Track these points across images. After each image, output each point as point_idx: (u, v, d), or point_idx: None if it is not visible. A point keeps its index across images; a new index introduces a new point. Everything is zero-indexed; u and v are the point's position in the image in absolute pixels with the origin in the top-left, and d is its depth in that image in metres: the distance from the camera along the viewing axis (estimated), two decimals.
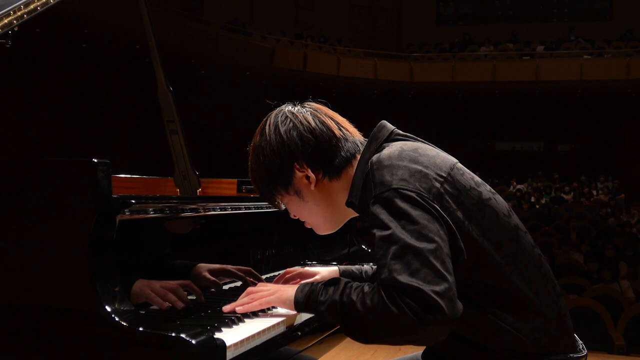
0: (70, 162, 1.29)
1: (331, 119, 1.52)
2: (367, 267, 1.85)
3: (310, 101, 1.56)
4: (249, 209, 1.95)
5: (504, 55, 17.85)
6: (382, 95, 17.86)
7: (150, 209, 1.45)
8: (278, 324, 1.44)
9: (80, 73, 11.74)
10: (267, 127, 1.51)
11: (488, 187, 1.46)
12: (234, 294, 1.71)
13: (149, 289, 1.44)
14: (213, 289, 1.71)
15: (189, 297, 1.53)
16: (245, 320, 1.44)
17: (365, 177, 1.40)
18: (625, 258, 8.34)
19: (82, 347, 1.23)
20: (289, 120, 1.49)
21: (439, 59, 18.29)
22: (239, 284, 1.81)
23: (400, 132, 1.51)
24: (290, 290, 1.43)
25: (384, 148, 1.44)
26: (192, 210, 1.66)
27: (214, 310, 1.51)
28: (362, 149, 1.50)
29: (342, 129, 1.52)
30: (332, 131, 1.49)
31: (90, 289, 1.22)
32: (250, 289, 1.52)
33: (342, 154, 1.49)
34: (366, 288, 1.28)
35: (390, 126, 1.52)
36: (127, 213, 1.34)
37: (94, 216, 1.25)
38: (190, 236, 1.72)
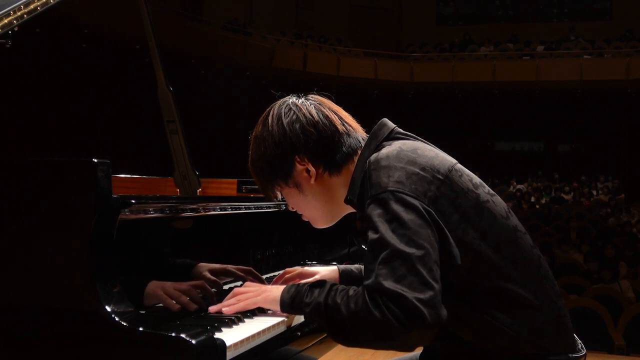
0: (70, 162, 1.29)
1: (335, 113, 1.51)
2: None
3: (315, 94, 1.55)
4: (249, 209, 1.95)
5: (504, 55, 17.85)
6: (382, 95, 17.86)
7: (150, 209, 1.45)
8: (278, 324, 1.44)
9: (80, 73, 11.74)
10: (270, 117, 1.50)
11: (487, 188, 1.45)
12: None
13: (161, 291, 1.44)
14: (214, 289, 1.70)
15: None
16: (245, 320, 1.44)
17: (363, 175, 1.40)
18: (625, 258, 8.33)
19: (82, 347, 1.23)
20: (292, 112, 1.48)
21: (439, 59, 18.29)
22: (239, 283, 1.81)
23: (401, 130, 1.51)
24: (276, 291, 1.43)
25: (383, 147, 1.44)
26: (192, 210, 1.66)
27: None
28: (363, 145, 1.49)
29: (345, 124, 1.51)
30: (335, 126, 1.48)
31: (90, 289, 1.22)
32: (236, 289, 1.51)
33: (344, 149, 1.48)
34: (351, 291, 1.28)
35: (390, 124, 1.51)
36: (127, 213, 1.34)
37: (94, 216, 1.25)
38: (191, 236, 1.72)
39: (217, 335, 1.26)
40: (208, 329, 1.28)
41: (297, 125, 1.46)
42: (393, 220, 1.26)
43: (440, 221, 1.30)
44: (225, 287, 1.79)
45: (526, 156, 20.44)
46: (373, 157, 1.39)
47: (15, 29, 1.64)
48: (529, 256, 1.41)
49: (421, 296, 1.19)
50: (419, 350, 1.62)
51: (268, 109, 1.53)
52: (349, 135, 1.50)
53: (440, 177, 1.35)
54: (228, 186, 2.52)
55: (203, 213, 1.70)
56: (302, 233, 2.32)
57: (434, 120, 19.00)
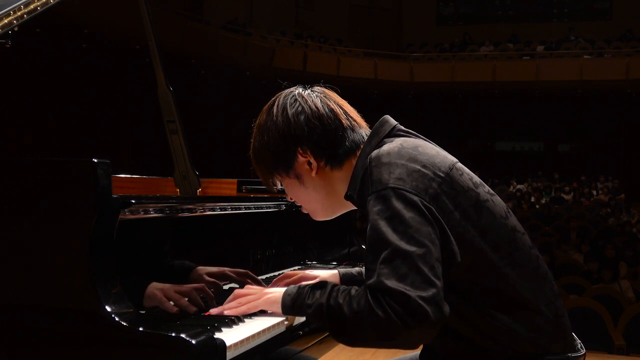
0: (70, 162, 1.29)
1: (340, 107, 1.50)
2: None
3: (321, 86, 1.55)
4: (249, 209, 1.95)
5: (504, 55, 17.85)
6: (382, 95, 17.86)
7: (150, 209, 1.45)
8: (278, 324, 1.43)
9: (80, 73, 11.75)
10: (275, 107, 1.49)
11: (487, 188, 1.45)
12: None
13: (160, 293, 1.43)
14: (212, 289, 1.70)
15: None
16: (245, 320, 1.43)
17: (364, 172, 1.40)
18: (625, 258, 8.33)
19: (82, 347, 1.23)
20: (298, 103, 1.47)
21: (439, 59, 18.30)
22: (238, 285, 1.81)
23: (403, 127, 1.50)
24: (277, 294, 1.42)
25: (384, 143, 1.43)
26: (192, 210, 1.66)
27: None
28: (365, 141, 1.49)
29: (349, 118, 1.50)
30: (339, 120, 1.48)
31: (90, 289, 1.22)
32: (237, 291, 1.51)
33: (347, 144, 1.48)
34: (353, 291, 1.27)
35: (392, 121, 1.51)
36: (127, 213, 1.34)
37: (94, 216, 1.24)
38: (190, 236, 1.71)
39: (217, 335, 1.26)
40: (208, 329, 1.28)
41: (302, 117, 1.46)
42: (394, 217, 1.26)
43: (441, 218, 1.29)
44: (225, 287, 1.79)
45: (526, 156, 20.44)
46: (374, 153, 1.39)
47: (15, 29, 1.64)
48: (527, 256, 1.41)
49: (424, 294, 1.18)
50: (418, 350, 1.62)
51: (273, 99, 1.52)
52: (352, 130, 1.49)
53: (441, 174, 1.34)
54: (228, 186, 2.52)
55: (203, 213, 1.70)
56: (302, 233, 2.32)
57: (434, 120, 18.99)
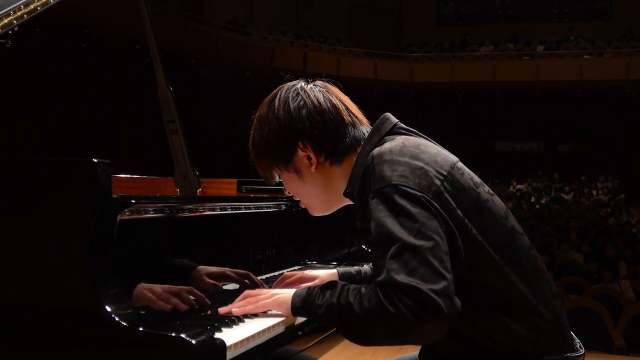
0: (70, 162, 1.29)
1: (342, 102, 1.50)
2: (366, 268, 1.84)
3: (323, 80, 1.54)
4: (249, 209, 1.95)
5: (504, 55, 17.85)
6: (382, 95, 17.85)
7: (150, 209, 1.45)
8: (278, 324, 1.43)
9: (80, 73, 11.74)
10: (276, 100, 1.48)
11: (487, 188, 1.45)
12: (235, 294, 1.71)
13: (150, 293, 1.43)
14: (212, 290, 1.70)
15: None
16: (246, 320, 1.43)
17: (365, 169, 1.39)
18: (625, 258, 8.34)
19: (82, 347, 1.23)
20: (300, 97, 1.47)
21: (439, 59, 18.30)
22: (238, 285, 1.81)
23: (403, 126, 1.50)
24: (287, 295, 1.41)
25: (385, 141, 1.43)
26: (192, 210, 1.66)
27: (213, 311, 1.51)
28: (366, 138, 1.48)
29: (351, 114, 1.50)
30: (341, 115, 1.47)
31: (90, 289, 1.22)
32: (247, 292, 1.51)
33: (347, 140, 1.47)
34: (363, 289, 1.27)
35: (393, 119, 1.50)
36: (127, 213, 1.34)
37: (94, 216, 1.24)
38: (190, 236, 1.71)
39: (217, 335, 1.26)
40: (208, 329, 1.28)
41: (304, 111, 1.45)
42: (399, 214, 1.25)
43: (445, 215, 1.29)
44: (226, 287, 1.79)
45: (526, 156, 20.44)
46: (376, 151, 1.38)
47: (15, 29, 1.64)
48: (526, 257, 1.41)
49: (435, 287, 1.18)
50: (417, 349, 1.62)
51: (275, 91, 1.51)
52: (354, 126, 1.49)
53: (443, 173, 1.34)
54: (228, 186, 2.52)
55: (203, 213, 1.70)
56: (302, 233, 2.32)
57: (434, 120, 18.99)
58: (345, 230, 2.57)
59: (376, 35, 19.93)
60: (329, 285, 1.35)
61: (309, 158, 1.47)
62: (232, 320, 1.39)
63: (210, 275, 1.69)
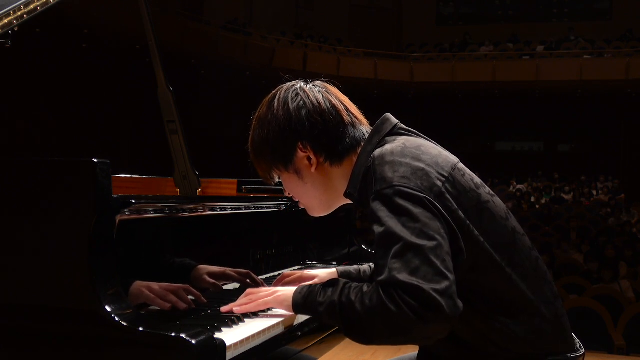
0: (70, 162, 1.29)
1: (341, 102, 1.49)
2: (366, 267, 1.84)
3: (322, 80, 1.54)
4: (249, 209, 1.95)
5: (504, 55, 17.85)
6: (382, 95, 17.85)
7: (150, 209, 1.45)
8: (278, 324, 1.44)
9: (80, 73, 11.74)
10: (276, 100, 1.48)
11: (487, 189, 1.44)
12: (234, 294, 1.71)
13: (148, 291, 1.42)
14: (212, 289, 1.70)
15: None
16: (246, 320, 1.43)
17: (366, 170, 1.39)
18: (625, 258, 8.34)
19: (82, 347, 1.23)
20: (299, 98, 1.46)
21: (439, 59, 18.30)
22: (238, 285, 1.81)
23: (404, 126, 1.50)
24: (288, 292, 1.42)
25: (386, 142, 1.43)
26: (192, 210, 1.66)
27: (214, 310, 1.51)
28: (366, 139, 1.48)
29: (350, 114, 1.49)
30: (341, 116, 1.47)
31: (90, 289, 1.22)
32: (249, 290, 1.51)
33: (347, 140, 1.46)
34: (365, 288, 1.26)
35: (394, 120, 1.50)
36: (127, 213, 1.34)
37: (94, 216, 1.24)
38: (190, 236, 1.71)
39: (217, 335, 1.26)
40: (208, 329, 1.28)
41: (304, 112, 1.45)
42: (402, 214, 1.25)
43: (447, 215, 1.29)
44: (226, 287, 1.79)
45: (526, 156, 20.44)
46: (377, 152, 1.38)
47: (15, 29, 1.64)
48: (527, 257, 1.41)
49: (437, 287, 1.17)
50: (416, 350, 1.62)
51: (274, 92, 1.51)
52: (353, 126, 1.48)
53: (444, 174, 1.34)
54: (228, 186, 2.52)
55: (203, 213, 1.70)
56: (302, 233, 2.32)
57: (434, 120, 18.99)
58: (345, 230, 2.57)
59: (376, 35, 19.93)
60: (331, 283, 1.35)
61: (309, 159, 1.46)
62: (232, 320, 1.39)
63: (211, 274, 1.69)
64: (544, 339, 1.37)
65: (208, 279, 1.67)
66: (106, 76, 12.17)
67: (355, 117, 1.51)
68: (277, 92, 1.50)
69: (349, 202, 1.53)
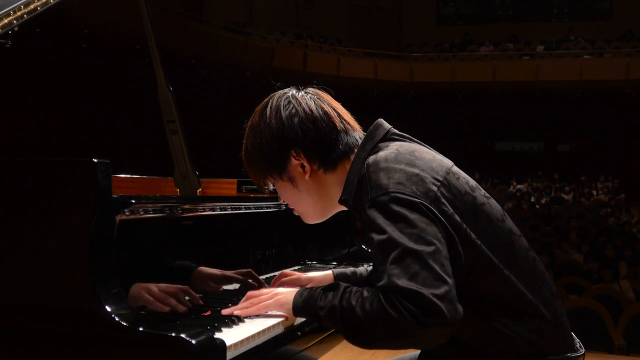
0: (70, 162, 1.29)
1: (334, 109, 1.49)
2: (362, 269, 1.83)
3: (315, 87, 1.54)
4: (249, 209, 1.95)
5: (504, 55, 17.85)
6: (382, 95, 17.86)
7: (150, 209, 1.45)
8: (278, 324, 1.44)
9: (80, 73, 11.74)
10: (268, 109, 1.48)
11: (482, 191, 1.45)
12: (234, 293, 1.71)
13: (147, 294, 1.42)
14: (212, 291, 1.70)
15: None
16: (245, 320, 1.43)
17: (361, 178, 1.39)
18: (625, 258, 8.34)
19: (82, 347, 1.23)
20: (291, 105, 1.46)
21: (439, 59, 18.29)
22: (238, 285, 1.81)
23: (396, 131, 1.50)
24: (289, 295, 1.42)
25: (380, 149, 1.43)
26: (191, 210, 1.66)
27: (213, 310, 1.51)
28: (359, 145, 1.48)
29: (343, 121, 1.49)
30: (333, 123, 1.47)
31: (90, 289, 1.22)
32: (250, 293, 1.51)
33: (341, 147, 1.46)
34: (365, 293, 1.26)
35: (386, 125, 1.50)
36: (127, 213, 1.34)
37: (94, 216, 1.24)
38: (190, 236, 1.71)
39: (217, 335, 1.26)
40: (208, 329, 1.28)
41: (296, 120, 1.44)
42: (399, 220, 1.25)
43: (444, 220, 1.29)
44: (226, 287, 1.79)
45: (526, 156, 20.44)
46: (371, 158, 1.38)
47: (15, 29, 1.64)
48: (524, 258, 1.41)
49: (437, 291, 1.18)
50: (416, 352, 1.62)
51: (266, 100, 1.51)
52: (346, 132, 1.48)
53: (439, 178, 1.34)
54: (228, 186, 2.52)
55: (203, 213, 1.70)
56: (302, 233, 2.32)
57: (434, 120, 19.01)
58: (345, 230, 2.57)
59: (376, 35, 19.92)
60: (332, 287, 1.35)
61: (302, 166, 1.46)
62: (232, 320, 1.39)
63: (212, 277, 1.69)
64: (544, 339, 1.37)
65: (209, 281, 1.67)
66: (106, 76, 12.16)
67: (348, 124, 1.50)
68: (269, 100, 1.50)
69: (344, 208, 1.53)
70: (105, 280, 1.24)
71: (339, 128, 1.47)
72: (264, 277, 1.97)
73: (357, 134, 1.51)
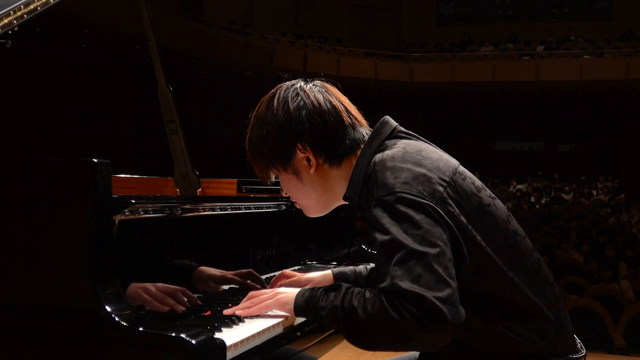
0: (70, 162, 1.29)
1: (341, 103, 1.48)
2: (361, 268, 1.82)
3: (323, 80, 1.52)
4: (249, 209, 1.95)
5: (504, 55, 17.85)
6: (382, 95, 17.84)
7: (150, 209, 1.45)
8: (278, 324, 1.43)
9: (80, 73, 11.74)
10: (275, 100, 1.46)
11: (488, 191, 1.44)
12: (233, 293, 1.71)
13: (145, 293, 1.42)
14: (212, 291, 1.70)
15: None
16: (246, 320, 1.43)
17: (367, 176, 1.38)
18: (625, 258, 8.34)
19: (82, 347, 1.23)
20: (299, 98, 1.44)
21: (439, 59, 18.29)
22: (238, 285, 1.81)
23: (403, 129, 1.48)
24: (290, 294, 1.41)
25: (386, 147, 1.41)
26: (191, 210, 1.66)
27: (213, 310, 1.51)
28: (365, 141, 1.46)
29: (350, 115, 1.48)
30: (341, 117, 1.45)
31: (90, 289, 1.22)
32: (251, 293, 1.50)
33: (347, 142, 1.45)
34: (367, 294, 1.26)
35: (393, 122, 1.49)
36: (127, 213, 1.34)
37: (94, 216, 1.24)
38: (190, 236, 1.71)
39: (217, 335, 1.26)
40: (208, 329, 1.28)
41: (304, 112, 1.43)
42: (404, 221, 1.24)
43: (450, 221, 1.28)
44: (226, 287, 1.79)
45: (526, 156, 20.44)
46: (378, 157, 1.37)
47: (15, 29, 1.64)
48: (528, 260, 1.40)
49: (440, 295, 1.17)
50: (416, 353, 1.61)
51: (273, 90, 1.49)
52: (353, 128, 1.47)
53: (446, 179, 1.33)
54: (228, 186, 2.52)
55: (203, 213, 1.70)
56: (302, 233, 2.32)
57: (434, 120, 18.99)
58: (345, 230, 2.57)
59: (376, 35, 19.92)
60: (334, 287, 1.34)
61: (308, 160, 1.45)
62: (232, 320, 1.39)
63: (213, 277, 1.69)
64: (547, 341, 1.37)
65: (210, 282, 1.67)
66: (106, 76, 12.16)
67: (355, 118, 1.49)
68: (277, 91, 1.48)
69: (345, 203, 1.52)
70: (105, 280, 1.24)
71: (346, 123, 1.46)
72: (264, 277, 1.96)
73: (364, 129, 1.50)
